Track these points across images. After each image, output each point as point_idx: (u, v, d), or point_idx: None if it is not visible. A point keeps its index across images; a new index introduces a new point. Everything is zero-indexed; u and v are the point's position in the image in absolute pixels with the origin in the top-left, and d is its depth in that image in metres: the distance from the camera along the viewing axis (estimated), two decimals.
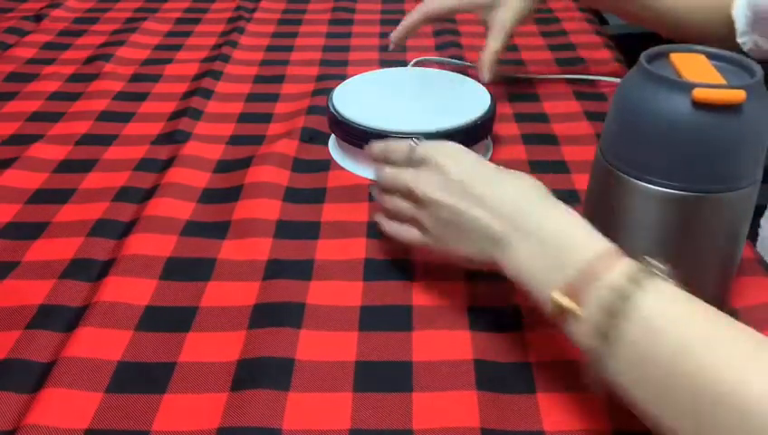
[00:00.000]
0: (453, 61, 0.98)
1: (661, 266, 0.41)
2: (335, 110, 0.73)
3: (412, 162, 0.55)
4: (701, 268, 0.51)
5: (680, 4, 0.81)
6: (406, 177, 0.54)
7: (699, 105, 0.46)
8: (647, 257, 0.42)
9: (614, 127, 0.52)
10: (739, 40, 0.77)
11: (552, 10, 1.18)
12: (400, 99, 0.76)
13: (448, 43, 1.04)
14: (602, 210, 0.53)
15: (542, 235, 0.45)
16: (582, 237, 0.45)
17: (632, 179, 0.50)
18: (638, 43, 0.71)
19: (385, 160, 0.59)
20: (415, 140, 0.56)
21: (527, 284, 0.46)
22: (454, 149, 0.54)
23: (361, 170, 0.72)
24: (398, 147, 0.57)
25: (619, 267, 0.41)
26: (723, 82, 0.47)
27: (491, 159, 0.72)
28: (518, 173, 0.51)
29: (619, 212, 0.51)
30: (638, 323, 0.39)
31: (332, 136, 0.78)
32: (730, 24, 0.78)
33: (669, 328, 0.38)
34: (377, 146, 0.60)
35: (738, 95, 0.45)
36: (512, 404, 0.48)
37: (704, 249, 0.51)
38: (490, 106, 0.73)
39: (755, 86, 0.47)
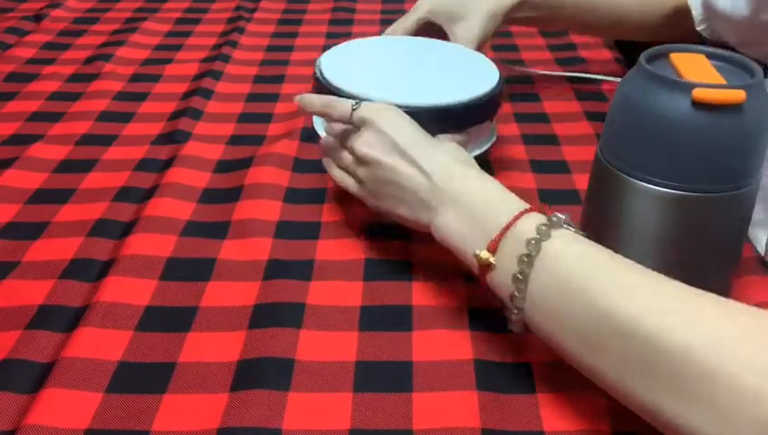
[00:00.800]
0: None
1: (565, 218, 0.46)
2: (321, 75, 0.66)
3: (352, 122, 0.58)
4: (701, 268, 0.51)
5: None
6: (350, 137, 0.59)
7: (699, 105, 0.46)
8: (556, 213, 0.46)
9: (614, 127, 0.51)
10: (698, 28, 0.78)
11: None
12: (398, 68, 0.70)
13: None
14: (602, 210, 0.53)
15: (466, 201, 0.50)
16: (499, 201, 0.50)
17: (632, 179, 0.49)
18: (638, 43, 0.71)
19: (324, 116, 0.62)
20: (355, 102, 0.59)
21: (456, 248, 0.51)
22: (394, 113, 0.57)
23: None
24: (340, 106, 0.59)
25: (530, 221, 0.46)
26: (723, 81, 0.47)
27: (492, 149, 0.70)
28: (446, 143, 0.56)
29: (618, 212, 0.51)
30: (546, 265, 0.44)
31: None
32: (683, 13, 0.81)
33: (573, 265, 0.43)
34: (318, 99, 0.62)
35: (738, 95, 0.45)
36: (512, 404, 0.48)
37: (704, 249, 0.51)
38: (497, 83, 0.66)
39: (755, 86, 0.47)
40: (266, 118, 0.84)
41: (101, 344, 0.52)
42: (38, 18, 1.14)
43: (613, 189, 0.51)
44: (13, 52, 1.02)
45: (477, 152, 0.66)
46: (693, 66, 0.49)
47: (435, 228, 0.52)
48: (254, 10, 1.19)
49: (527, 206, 0.48)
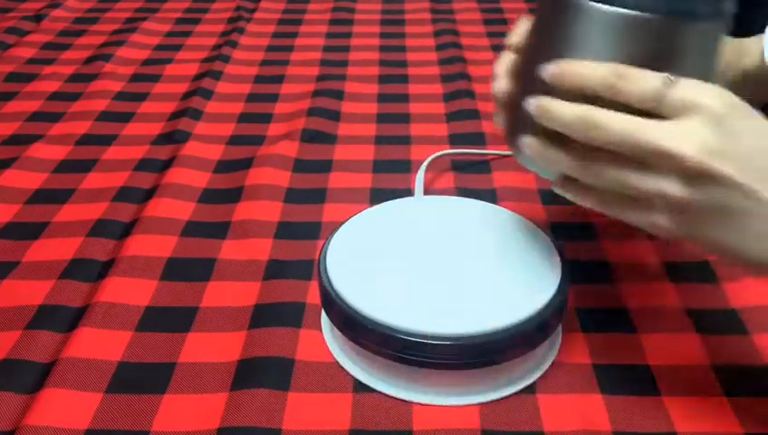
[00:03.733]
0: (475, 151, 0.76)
1: None
2: (331, 286, 0.49)
3: (660, 108, 0.38)
4: None
5: None
6: (656, 131, 0.37)
7: None
8: None
9: None
10: None
11: None
12: (420, 266, 0.50)
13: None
14: (543, 52, 0.42)
15: None
16: None
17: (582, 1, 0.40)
18: None
19: (606, 91, 0.39)
20: (668, 77, 0.38)
21: None
22: (732, 95, 0.38)
23: (376, 382, 0.49)
24: (640, 77, 0.38)
25: None
26: None
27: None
28: None
29: (564, 51, 0.41)
30: None
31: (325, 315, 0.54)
32: None
33: None
34: (570, 66, 0.40)
35: None
36: (512, 405, 0.48)
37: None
38: (561, 280, 0.49)
39: None
40: (266, 118, 0.84)
41: (101, 344, 0.52)
42: (38, 18, 1.14)
43: (557, 21, 0.41)
44: (13, 52, 1.02)
45: None
46: None
47: None
48: (254, 10, 1.19)
49: None
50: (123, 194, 0.69)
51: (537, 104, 0.41)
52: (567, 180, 0.42)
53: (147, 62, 0.99)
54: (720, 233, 0.38)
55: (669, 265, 0.59)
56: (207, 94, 0.89)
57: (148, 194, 0.69)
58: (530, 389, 0.49)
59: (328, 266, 0.50)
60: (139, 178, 0.72)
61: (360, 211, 0.56)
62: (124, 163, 0.75)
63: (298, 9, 1.21)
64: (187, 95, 0.89)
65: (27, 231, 0.64)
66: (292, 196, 0.69)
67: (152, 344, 0.52)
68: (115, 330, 0.53)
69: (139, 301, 0.56)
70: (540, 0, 0.44)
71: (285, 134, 0.79)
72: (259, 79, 0.94)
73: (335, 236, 0.53)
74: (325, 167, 0.74)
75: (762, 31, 0.66)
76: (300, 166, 0.74)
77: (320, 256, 0.52)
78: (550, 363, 0.50)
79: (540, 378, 0.49)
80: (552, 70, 0.41)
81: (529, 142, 0.43)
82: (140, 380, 0.49)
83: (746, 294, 0.56)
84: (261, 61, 1.00)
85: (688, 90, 0.37)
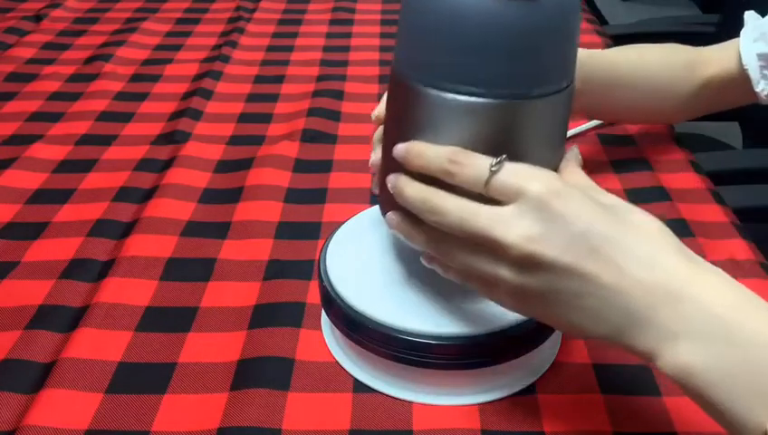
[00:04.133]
0: None
1: None
2: (331, 286, 0.49)
3: (488, 193, 0.39)
4: None
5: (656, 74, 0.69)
6: (485, 219, 0.38)
7: None
8: None
9: (400, 27, 0.43)
10: (757, 89, 0.67)
11: None
12: (421, 266, 0.45)
13: None
14: (403, 133, 0.43)
15: (734, 333, 0.34)
16: None
17: (420, 86, 0.41)
18: (638, 43, 0.71)
19: (438, 174, 0.41)
20: (497, 161, 0.39)
21: (714, 402, 0.34)
22: (556, 178, 0.39)
23: (376, 382, 0.49)
24: (470, 163, 0.40)
25: None
26: None
27: None
28: (634, 209, 0.39)
29: (419, 131, 0.42)
30: None
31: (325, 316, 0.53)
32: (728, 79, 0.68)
33: None
34: (414, 148, 0.42)
35: None
36: (512, 405, 0.48)
37: (517, 158, 0.41)
38: None
39: None
40: (266, 118, 0.84)
41: (101, 345, 0.52)
42: (38, 18, 1.14)
43: (410, 105, 0.42)
44: (13, 52, 1.02)
45: None
46: None
47: (672, 366, 0.35)
48: (254, 10, 1.19)
49: None
50: (123, 194, 0.69)
51: (393, 182, 0.43)
52: (430, 254, 0.43)
53: (147, 62, 0.99)
54: (558, 313, 0.38)
55: None
56: (207, 94, 0.89)
57: (148, 194, 0.69)
58: (530, 389, 0.49)
59: (328, 266, 0.50)
60: (139, 178, 0.72)
61: (360, 211, 0.56)
62: (124, 163, 0.75)
63: (298, 9, 1.21)
64: (187, 95, 0.89)
65: (27, 231, 0.64)
66: (293, 196, 0.69)
67: (152, 344, 0.52)
68: (115, 330, 0.53)
69: (139, 301, 0.56)
70: (390, 80, 0.45)
71: (285, 134, 0.79)
72: (259, 79, 0.94)
73: (335, 236, 0.53)
74: (325, 167, 0.74)
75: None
76: (300, 166, 0.74)
77: (320, 256, 0.52)
78: (550, 364, 0.50)
79: (540, 378, 0.49)
80: (399, 150, 0.43)
81: (389, 217, 0.45)
82: (140, 380, 0.49)
83: None
84: (261, 61, 1.00)
85: (512, 176, 0.39)
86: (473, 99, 0.40)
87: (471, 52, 0.40)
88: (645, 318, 0.36)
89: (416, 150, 0.42)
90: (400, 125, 0.44)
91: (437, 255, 0.42)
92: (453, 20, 0.39)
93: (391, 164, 0.44)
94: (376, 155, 0.49)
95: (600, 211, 0.38)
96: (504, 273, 0.39)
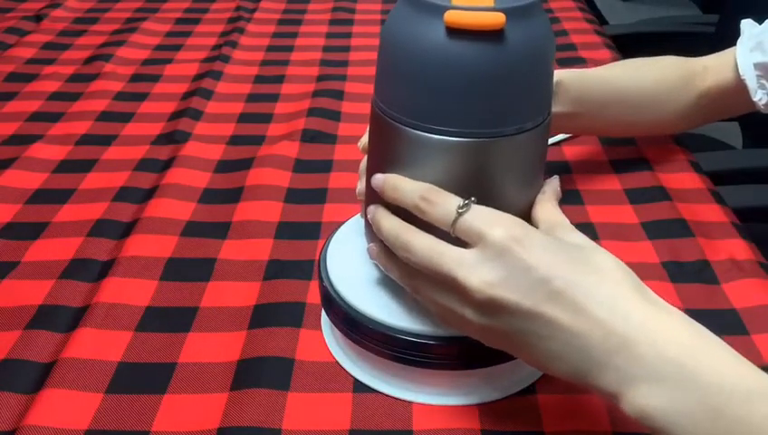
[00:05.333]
0: None
1: None
2: (331, 286, 0.49)
3: (456, 234, 0.40)
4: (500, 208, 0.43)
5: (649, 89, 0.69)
6: (449, 260, 0.39)
7: (453, 32, 0.39)
8: None
9: (378, 67, 0.44)
10: (755, 98, 0.67)
11: (553, 10, 1.18)
12: None
13: None
14: (383, 164, 0.45)
15: (692, 373, 0.35)
16: (749, 381, 0.35)
17: (400, 127, 0.42)
18: (638, 43, 0.71)
19: (411, 208, 0.42)
20: (464, 203, 0.40)
21: None
22: (518, 224, 0.40)
23: (374, 381, 0.49)
24: (440, 202, 0.41)
25: None
26: (492, 4, 0.39)
27: None
28: (597, 250, 0.40)
29: (398, 165, 0.44)
30: None
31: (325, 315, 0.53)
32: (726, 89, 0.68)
33: None
34: (390, 181, 0.44)
35: (495, 19, 0.38)
36: (512, 405, 0.48)
37: (492, 193, 0.42)
38: None
39: (524, 10, 0.40)
40: (266, 118, 0.84)
41: (101, 345, 0.52)
42: (38, 18, 1.14)
43: (386, 138, 0.43)
44: (13, 52, 1.02)
45: None
46: None
47: (633, 408, 0.36)
48: (254, 10, 1.19)
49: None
50: (123, 194, 0.69)
51: (372, 213, 0.45)
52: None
53: (147, 62, 0.99)
54: (524, 352, 0.40)
55: (669, 266, 0.59)
56: (207, 94, 0.89)
57: (148, 194, 0.69)
58: (530, 389, 0.49)
59: (328, 266, 0.50)
60: (139, 178, 0.72)
61: (360, 211, 0.56)
62: (124, 163, 0.75)
63: (298, 9, 1.21)
64: (187, 95, 0.89)
65: (27, 231, 0.64)
66: (293, 196, 0.69)
67: (152, 344, 0.52)
68: (115, 330, 0.53)
69: (139, 301, 0.56)
70: (371, 112, 0.46)
71: (285, 134, 0.79)
72: (259, 79, 0.94)
73: (335, 236, 0.53)
74: (325, 167, 0.74)
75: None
76: (300, 166, 0.74)
77: (320, 256, 0.52)
78: None
79: (540, 378, 0.49)
80: (377, 180, 0.44)
81: (370, 248, 0.46)
82: (140, 380, 0.49)
83: (746, 294, 0.56)
84: (261, 61, 1.00)
85: (477, 219, 0.39)
86: (445, 138, 0.41)
87: (440, 93, 0.40)
88: (605, 361, 0.36)
89: (391, 183, 0.43)
90: (379, 156, 0.45)
91: (410, 289, 0.44)
92: (421, 62, 0.40)
93: (373, 194, 0.45)
94: (362, 184, 0.50)
95: (561, 255, 0.39)
96: (469, 313, 0.40)
